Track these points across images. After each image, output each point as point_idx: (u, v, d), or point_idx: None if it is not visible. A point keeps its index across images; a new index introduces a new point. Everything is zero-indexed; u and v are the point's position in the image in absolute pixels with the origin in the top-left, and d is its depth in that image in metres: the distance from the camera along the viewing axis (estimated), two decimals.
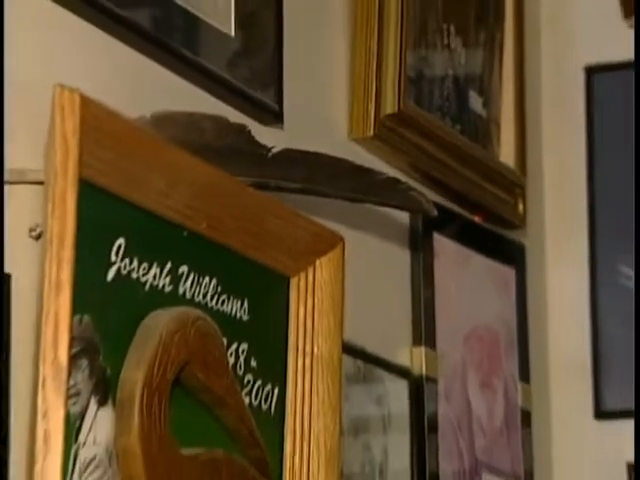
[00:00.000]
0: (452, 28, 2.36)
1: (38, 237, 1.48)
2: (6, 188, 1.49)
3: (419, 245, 2.29)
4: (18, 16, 1.54)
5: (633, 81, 2.58)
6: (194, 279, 1.69)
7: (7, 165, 1.47)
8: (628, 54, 2.62)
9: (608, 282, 2.60)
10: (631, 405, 2.55)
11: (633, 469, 2.51)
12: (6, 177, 1.49)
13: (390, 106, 2.11)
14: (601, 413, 2.59)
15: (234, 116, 1.82)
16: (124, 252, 1.59)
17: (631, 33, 2.60)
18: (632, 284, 2.57)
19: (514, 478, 2.45)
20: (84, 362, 1.52)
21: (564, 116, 2.66)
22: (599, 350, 2.59)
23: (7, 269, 1.47)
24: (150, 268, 1.63)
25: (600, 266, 2.61)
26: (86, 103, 1.47)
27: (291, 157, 1.80)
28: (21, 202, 1.51)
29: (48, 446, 1.42)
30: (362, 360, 2.08)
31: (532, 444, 2.51)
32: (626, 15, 2.60)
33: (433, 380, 2.26)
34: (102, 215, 1.56)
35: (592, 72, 2.64)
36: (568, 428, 2.61)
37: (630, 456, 2.53)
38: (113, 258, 1.58)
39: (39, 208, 1.47)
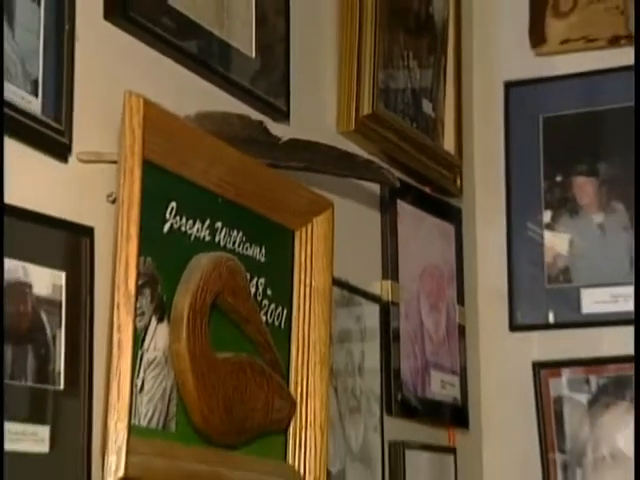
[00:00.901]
0: (410, 54, 2.34)
1: (113, 201, 1.46)
2: (89, 166, 1.46)
3: (386, 208, 2.26)
4: (102, 43, 1.53)
5: (540, 92, 2.56)
6: (226, 232, 1.67)
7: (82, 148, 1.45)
8: (534, 73, 2.59)
9: (519, 235, 2.59)
10: (534, 320, 2.55)
11: (537, 365, 2.49)
12: (88, 158, 1.46)
13: (367, 108, 2.08)
14: (514, 327, 2.57)
15: (254, 115, 1.79)
16: (175, 212, 1.58)
17: (537, 59, 2.58)
18: (536, 236, 2.55)
19: (452, 373, 2.43)
20: (147, 291, 1.52)
21: (489, 117, 2.63)
22: (512, 282, 2.58)
23: (91, 224, 1.44)
24: (194, 224, 1.61)
25: (514, 223, 2.60)
26: (148, 105, 1.46)
27: (295, 145, 1.78)
28: (101, 176, 1.48)
29: (121, 351, 1.41)
30: (346, 290, 2.06)
31: (466, 349, 2.49)
32: (533, 46, 2.58)
33: (396, 304, 2.24)
34: (159, 185, 1.54)
35: (509, 86, 2.61)
36: (491, 337, 2.60)
37: (534, 357, 2.51)
38: (167, 217, 1.56)
39: (114, 180, 1.45)
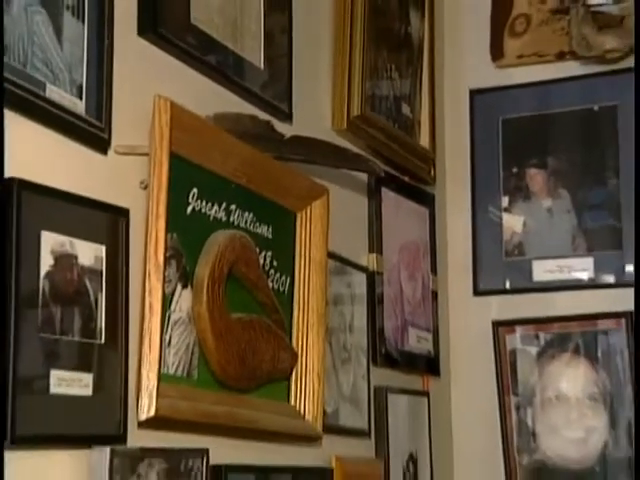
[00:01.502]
0: (392, 66, 2.31)
1: (145, 187, 1.45)
2: (125, 157, 1.44)
3: (372, 194, 2.23)
4: (136, 55, 1.51)
5: (500, 98, 2.54)
6: (239, 213, 1.65)
7: (119, 142, 1.43)
8: (494, 82, 2.55)
9: (481, 216, 2.56)
10: (493, 287, 2.51)
11: (496, 324, 2.47)
12: (124, 150, 1.44)
13: (356, 110, 2.05)
14: (477, 292, 2.55)
15: (263, 116, 1.77)
16: (197, 197, 1.56)
17: (497, 70, 2.55)
18: (496, 218, 2.53)
19: (427, 330, 2.42)
20: (173, 262, 1.50)
21: (457, 119, 2.60)
22: (476, 255, 2.55)
23: (126, 206, 1.42)
24: (212, 206, 1.59)
25: (477, 207, 2.57)
26: (174, 106, 1.45)
27: (297, 140, 1.76)
28: (134, 166, 1.45)
29: (152, 312, 1.41)
30: (339, 261, 2.04)
31: (437, 310, 2.47)
32: (493, 60, 2.56)
33: (380, 274, 2.21)
34: (183, 174, 1.52)
35: (474, 93, 2.58)
36: (458, 301, 2.57)
37: (493, 316, 2.48)
38: (190, 200, 1.55)
39: (145, 169, 1.43)
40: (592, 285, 2.42)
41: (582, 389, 2.38)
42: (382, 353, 2.18)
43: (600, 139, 2.45)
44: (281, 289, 1.76)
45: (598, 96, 2.45)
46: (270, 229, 1.73)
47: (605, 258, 2.41)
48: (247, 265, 1.62)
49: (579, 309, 2.40)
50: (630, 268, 2.38)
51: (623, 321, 2.34)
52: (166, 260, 1.43)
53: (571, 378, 2.40)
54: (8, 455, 1.20)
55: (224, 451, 1.57)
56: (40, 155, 1.30)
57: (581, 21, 2.39)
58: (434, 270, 2.47)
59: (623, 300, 2.34)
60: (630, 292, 2.33)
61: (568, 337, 2.41)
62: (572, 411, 2.38)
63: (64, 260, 1.30)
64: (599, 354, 2.37)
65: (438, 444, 2.40)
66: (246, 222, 1.67)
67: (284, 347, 1.71)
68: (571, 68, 2.48)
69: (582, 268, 2.44)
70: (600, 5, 2.39)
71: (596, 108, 2.45)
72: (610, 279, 2.41)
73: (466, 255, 2.55)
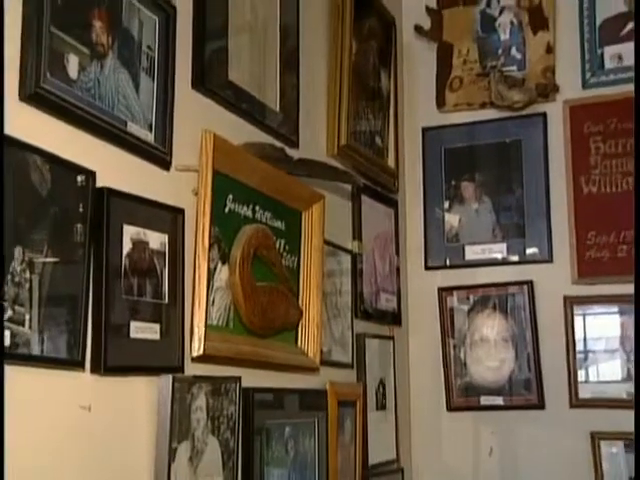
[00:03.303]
0: (369, 110, 2.26)
1: (196, 194, 1.41)
2: (181, 173, 1.41)
3: (355, 199, 2.18)
4: (190, 102, 1.47)
5: (443, 134, 2.50)
6: (262, 212, 1.62)
7: (176, 162, 1.39)
8: (439, 122, 2.50)
9: (430, 215, 2.52)
10: (438, 264, 2.47)
11: (440, 289, 2.44)
12: (181, 168, 1.41)
13: (344, 141, 2.01)
14: (427, 267, 2.50)
15: (278, 144, 1.74)
16: (232, 200, 1.52)
17: (440, 114, 2.51)
18: (440, 216, 2.49)
19: (392, 294, 2.38)
20: (215, 246, 1.47)
21: (413, 147, 2.55)
22: (426, 242, 2.51)
23: (182, 207, 1.39)
24: (243, 207, 1.56)
25: (427, 209, 2.52)
26: (216, 137, 1.42)
27: (302, 161, 1.73)
28: (188, 179, 1.42)
29: (200, 281, 1.38)
30: (332, 246, 2.00)
31: (399, 280, 2.43)
32: (438, 107, 2.52)
33: (360, 255, 2.17)
34: (222, 185, 1.48)
35: (425, 130, 2.54)
36: (414, 273, 2.52)
37: (438, 284, 2.43)
38: (227, 203, 1.51)
39: (196, 181, 1.41)
40: (504, 262, 2.40)
41: (497, 333, 2.37)
42: (362, 310, 2.15)
43: (510, 162, 2.43)
44: (291, 266, 1.73)
45: (508, 133, 2.43)
46: (283, 223, 1.70)
47: (513, 244, 2.40)
48: (267, 249, 1.59)
49: (496, 279, 2.39)
50: (529, 251, 2.37)
51: (525, 287, 2.34)
52: (210, 245, 1.40)
53: (490, 326, 2.39)
54: (103, 380, 1.19)
55: (251, 378, 1.55)
56: (123, 171, 1.28)
57: (497, 82, 2.40)
58: (397, 252, 2.44)
59: (524, 273, 2.35)
60: (529, 267, 2.35)
61: (488, 298, 2.40)
62: (491, 349, 2.38)
63: (139, 245, 1.28)
64: (509, 310, 2.36)
65: (400, 372, 2.37)
66: (266, 218, 1.64)
67: (293, 306, 1.69)
68: (490, 114, 2.46)
69: (498, 251, 2.43)
70: (509, 71, 2.41)
71: (507, 141, 2.44)
72: (516, 258, 2.39)
73: (419, 242, 2.52)
